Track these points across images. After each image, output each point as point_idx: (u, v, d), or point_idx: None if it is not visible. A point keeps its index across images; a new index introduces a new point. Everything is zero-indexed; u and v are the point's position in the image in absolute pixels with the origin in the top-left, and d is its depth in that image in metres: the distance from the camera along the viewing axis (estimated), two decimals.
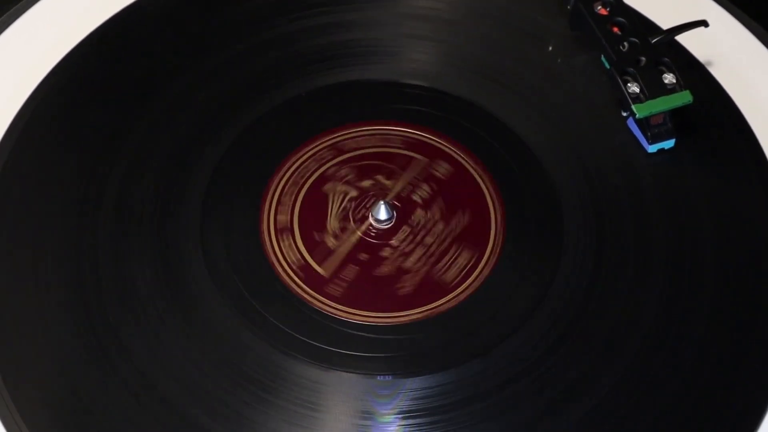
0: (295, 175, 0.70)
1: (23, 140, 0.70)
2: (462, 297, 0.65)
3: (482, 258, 0.67)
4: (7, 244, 0.66)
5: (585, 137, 0.73)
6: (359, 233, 0.68)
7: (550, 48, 0.77)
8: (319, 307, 0.65)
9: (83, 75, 0.74)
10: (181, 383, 0.61)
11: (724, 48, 0.77)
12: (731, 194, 0.70)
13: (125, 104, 0.73)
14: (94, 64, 0.75)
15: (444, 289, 0.66)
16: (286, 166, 0.70)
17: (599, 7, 0.74)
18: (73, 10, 0.78)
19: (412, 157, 0.71)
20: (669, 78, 0.70)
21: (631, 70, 0.70)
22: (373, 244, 0.68)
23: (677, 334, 0.64)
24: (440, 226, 0.68)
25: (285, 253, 0.67)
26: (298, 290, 0.65)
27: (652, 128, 0.71)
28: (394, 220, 0.68)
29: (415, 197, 0.70)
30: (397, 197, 0.69)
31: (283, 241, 0.67)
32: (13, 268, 0.65)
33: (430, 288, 0.66)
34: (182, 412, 0.60)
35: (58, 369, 0.62)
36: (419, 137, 0.72)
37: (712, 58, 0.76)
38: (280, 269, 0.66)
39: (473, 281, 0.66)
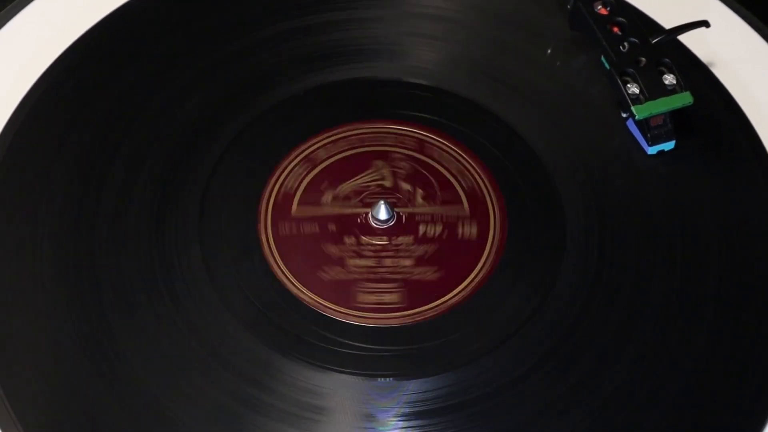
0: (295, 171, 0.70)
1: (20, 138, 0.70)
2: (462, 298, 0.65)
3: (482, 258, 0.67)
4: (4, 242, 0.66)
5: (585, 138, 0.72)
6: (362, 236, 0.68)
7: (549, 51, 0.76)
8: (319, 308, 0.65)
9: (81, 73, 0.74)
10: (179, 385, 0.62)
11: (727, 47, 0.76)
12: (733, 197, 0.70)
13: (123, 101, 0.73)
14: (93, 62, 0.75)
15: (444, 291, 0.66)
16: (286, 164, 0.70)
17: (599, 7, 0.73)
18: (73, 5, 0.78)
19: (413, 156, 0.71)
20: (669, 79, 0.69)
21: (630, 70, 0.70)
22: (372, 245, 0.67)
23: (680, 336, 0.64)
24: (440, 226, 0.68)
25: (284, 254, 0.67)
26: (297, 291, 0.65)
27: (652, 129, 0.70)
28: (394, 220, 0.68)
29: (414, 196, 0.69)
30: (396, 196, 0.69)
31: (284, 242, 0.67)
32: (9, 266, 0.65)
33: (430, 289, 0.66)
34: (180, 415, 0.61)
35: (55, 369, 0.62)
36: (418, 136, 0.72)
37: (714, 57, 0.76)
38: (278, 270, 0.66)
39: (473, 282, 0.66)
